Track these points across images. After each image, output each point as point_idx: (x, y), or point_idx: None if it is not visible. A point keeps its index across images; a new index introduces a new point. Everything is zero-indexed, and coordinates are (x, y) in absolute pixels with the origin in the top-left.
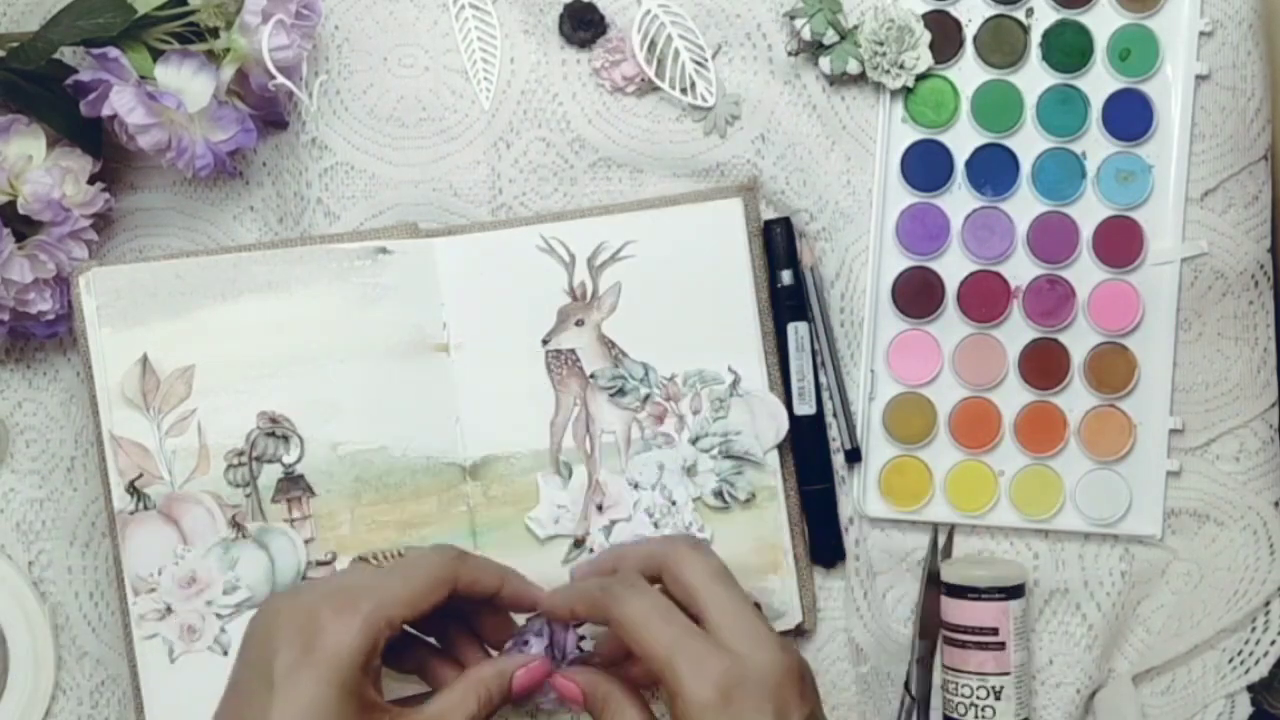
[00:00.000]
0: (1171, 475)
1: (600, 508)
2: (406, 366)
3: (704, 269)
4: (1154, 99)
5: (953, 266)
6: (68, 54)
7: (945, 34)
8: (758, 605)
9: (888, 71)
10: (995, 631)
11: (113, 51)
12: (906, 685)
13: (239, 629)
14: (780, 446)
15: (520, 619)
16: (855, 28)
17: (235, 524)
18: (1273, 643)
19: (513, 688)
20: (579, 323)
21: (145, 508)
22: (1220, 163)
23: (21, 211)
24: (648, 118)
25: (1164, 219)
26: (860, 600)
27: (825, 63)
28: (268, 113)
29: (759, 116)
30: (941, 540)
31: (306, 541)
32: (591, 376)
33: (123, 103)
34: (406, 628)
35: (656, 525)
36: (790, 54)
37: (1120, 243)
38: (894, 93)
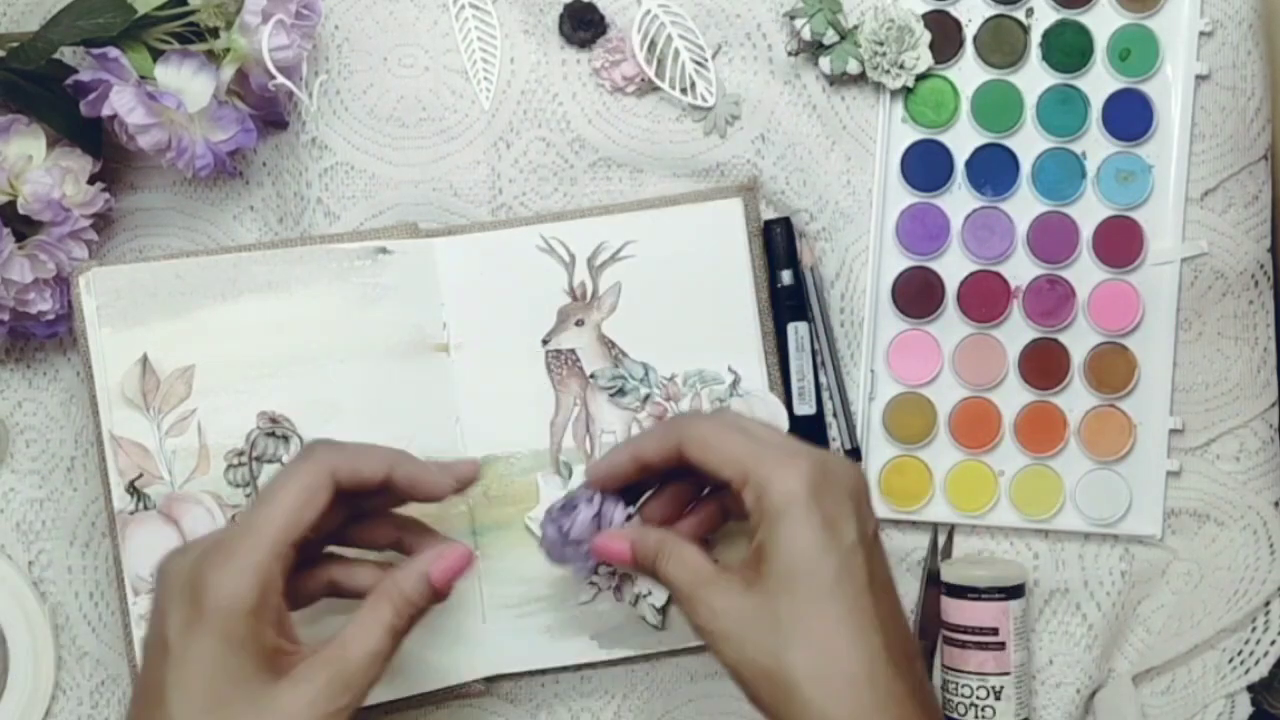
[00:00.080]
0: (1171, 475)
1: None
2: (406, 366)
3: (704, 269)
4: (1154, 99)
5: (953, 266)
6: (68, 54)
7: (945, 34)
8: None
9: (888, 71)
10: (995, 631)
11: (113, 51)
12: None
13: None
14: None
15: (570, 488)
16: (855, 28)
17: None
18: (1273, 643)
19: (434, 583)
20: (579, 323)
21: (145, 508)
22: (1220, 163)
23: (21, 211)
24: (648, 118)
25: (1164, 219)
26: None
27: (825, 63)
28: (268, 113)
29: (759, 116)
30: (941, 540)
31: None
32: (591, 376)
33: (123, 103)
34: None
35: None
36: (790, 54)
37: (1120, 243)
38: (894, 93)
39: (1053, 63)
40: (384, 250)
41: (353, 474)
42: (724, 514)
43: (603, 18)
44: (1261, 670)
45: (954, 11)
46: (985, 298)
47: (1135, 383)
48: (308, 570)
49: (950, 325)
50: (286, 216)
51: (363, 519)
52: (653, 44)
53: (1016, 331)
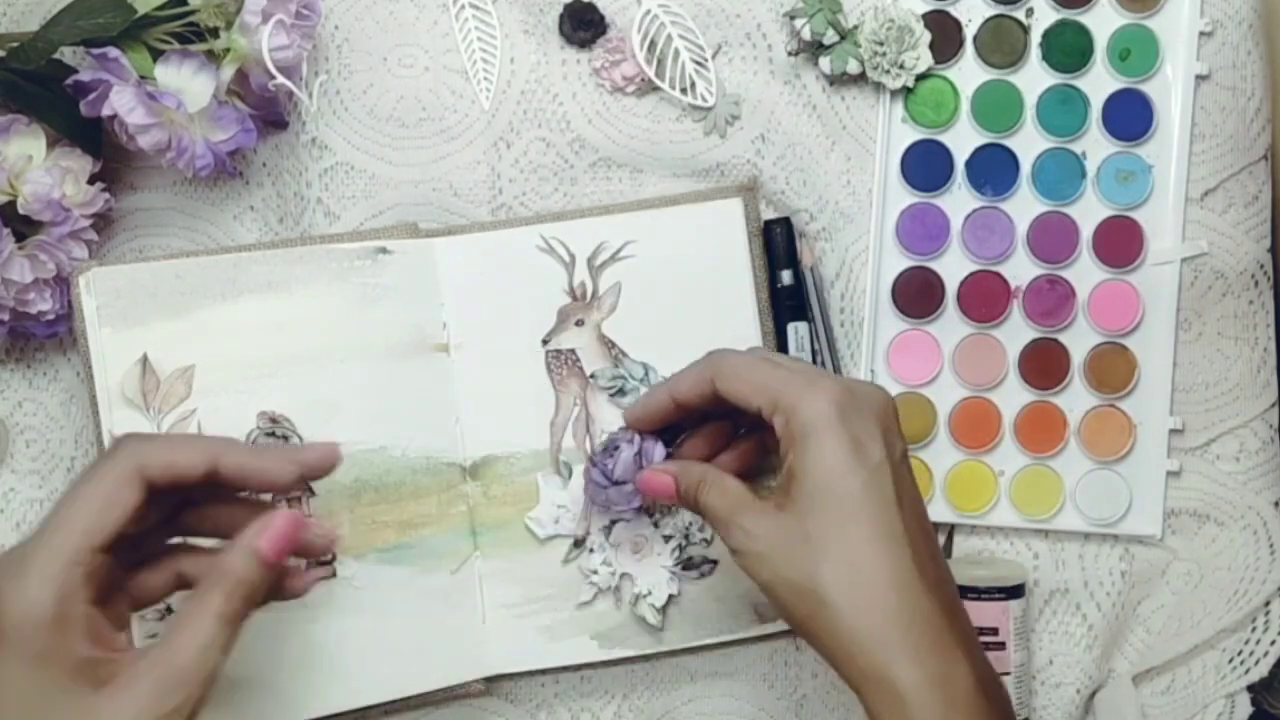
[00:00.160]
0: (1171, 475)
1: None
2: (406, 366)
3: (704, 269)
4: (1154, 99)
5: (953, 266)
6: (68, 54)
7: (945, 34)
8: None
9: (888, 71)
10: (995, 631)
11: (113, 51)
12: None
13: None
14: None
15: (611, 428)
16: (855, 28)
17: None
18: (1273, 643)
19: (264, 555)
20: (579, 323)
21: None
22: (1220, 163)
23: (21, 211)
24: (648, 118)
25: (1164, 219)
26: None
27: (825, 63)
28: (268, 113)
29: (759, 116)
30: (941, 540)
31: None
32: (591, 376)
33: (123, 103)
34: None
35: (656, 525)
36: (790, 54)
37: (1120, 243)
38: (894, 93)
39: (1053, 63)
40: (384, 250)
41: (166, 469)
42: (762, 450)
43: (603, 18)
44: (1261, 670)
45: (954, 11)
46: (985, 298)
47: (1135, 383)
48: (151, 565)
49: (950, 325)
50: (286, 216)
51: (211, 505)
52: (653, 44)
53: (1016, 331)
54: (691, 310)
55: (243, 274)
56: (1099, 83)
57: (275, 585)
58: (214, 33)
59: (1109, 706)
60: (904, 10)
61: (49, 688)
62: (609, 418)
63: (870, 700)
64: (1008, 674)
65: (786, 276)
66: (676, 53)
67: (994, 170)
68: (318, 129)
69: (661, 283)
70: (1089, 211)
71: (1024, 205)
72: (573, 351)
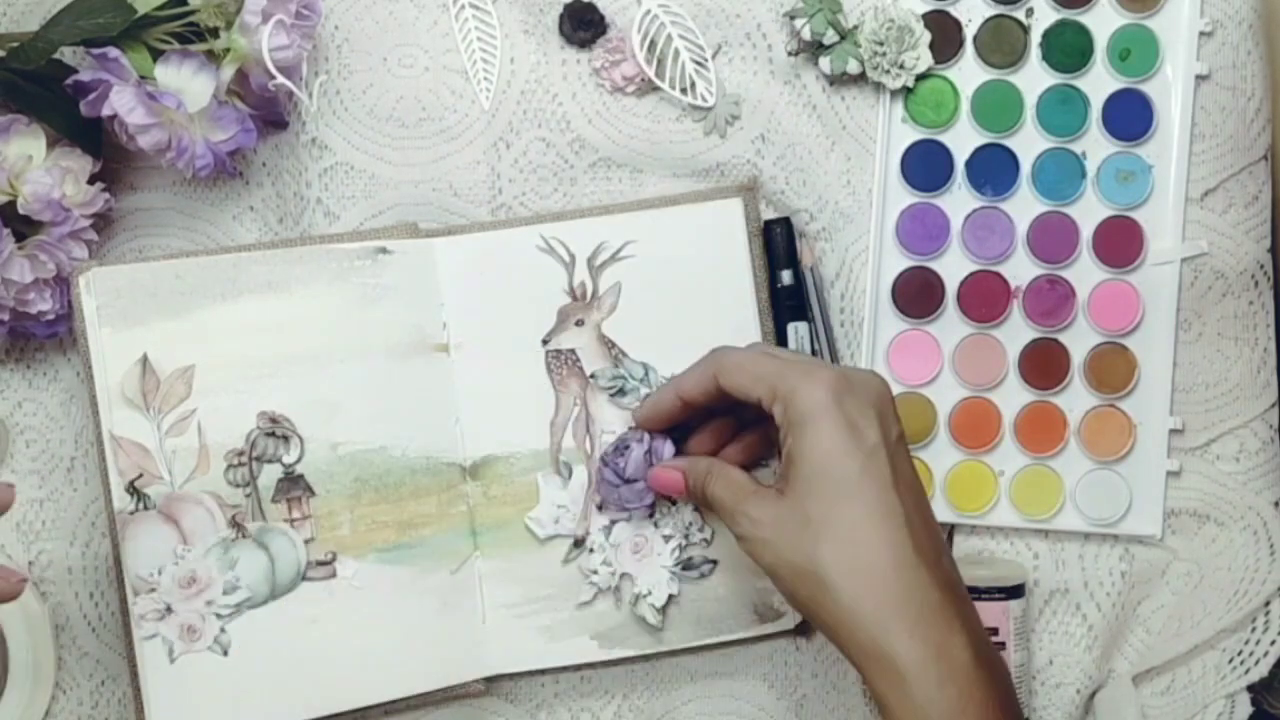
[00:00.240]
0: (1171, 475)
1: (600, 507)
2: (406, 366)
3: (704, 269)
4: (1154, 99)
5: (953, 266)
6: (68, 54)
7: (945, 34)
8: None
9: (888, 71)
10: (995, 631)
11: (113, 51)
12: None
13: (239, 629)
14: None
15: (622, 427)
16: (855, 28)
17: (235, 524)
18: (1273, 643)
19: None
20: (579, 323)
21: (145, 508)
22: (1220, 163)
23: (21, 211)
24: (648, 118)
25: (1164, 219)
26: None
27: (825, 63)
28: (268, 113)
29: (759, 116)
30: None
31: (306, 541)
32: (591, 376)
33: (123, 103)
34: None
35: (656, 525)
36: (790, 54)
37: (1120, 243)
38: (894, 93)
39: (1053, 63)
40: (384, 250)
41: None
42: (766, 443)
43: (603, 18)
44: (1261, 670)
45: (954, 11)
46: (985, 298)
47: (1135, 383)
48: None
49: (950, 325)
50: (286, 216)
51: None
52: (653, 44)
53: (1016, 331)
54: (691, 310)
55: (243, 274)
56: (1099, 83)
57: None
58: (214, 33)
59: (1109, 706)
60: (904, 10)
61: None
62: (609, 418)
63: (871, 676)
64: None
65: (786, 276)
66: (676, 53)
67: (994, 170)
68: (318, 129)
69: (661, 283)
70: (1089, 211)
71: (1024, 205)
72: (573, 351)
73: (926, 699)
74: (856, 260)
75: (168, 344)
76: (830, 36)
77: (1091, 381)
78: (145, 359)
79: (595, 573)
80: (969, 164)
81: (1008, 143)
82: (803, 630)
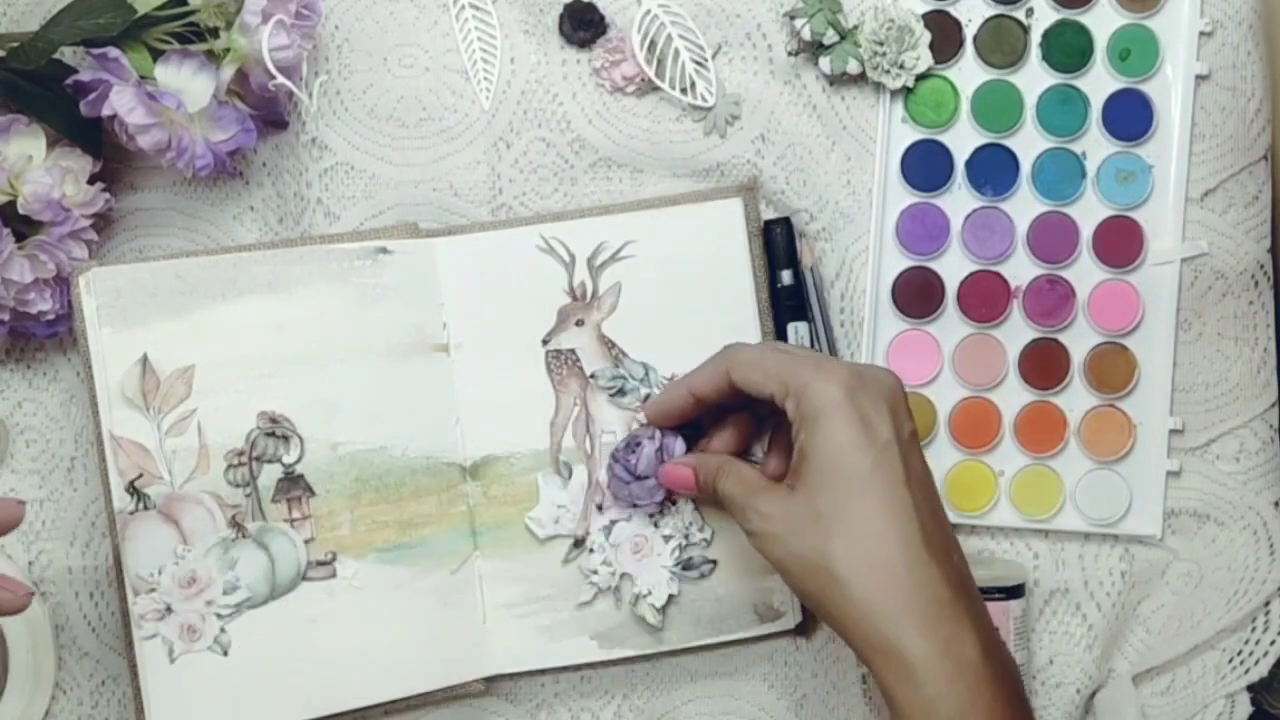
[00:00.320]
0: (1171, 475)
1: (600, 507)
2: (406, 366)
3: (704, 269)
4: (1154, 99)
5: (953, 266)
6: (68, 54)
7: (945, 34)
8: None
9: (888, 71)
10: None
11: (113, 51)
12: None
13: (239, 629)
14: None
15: (623, 427)
16: (855, 28)
17: (235, 524)
18: (1273, 643)
19: None
20: (579, 323)
21: (145, 508)
22: (1220, 163)
23: (21, 211)
24: (648, 118)
25: (1164, 219)
26: None
27: (825, 63)
28: (268, 113)
29: (759, 116)
30: None
31: (306, 541)
32: (591, 376)
33: (123, 103)
34: None
35: (656, 525)
36: (790, 54)
37: (1120, 243)
38: (894, 93)
39: (1053, 63)
40: (384, 250)
41: None
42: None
43: (603, 18)
44: (1261, 670)
45: (954, 11)
46: (985, 298)
47: (1135, 383)
48: None
49: (950, 325)
50: (286, 216)
51: None
52: (653, 44)
53: (1016, 331)
54: (691, 310)
55: (243, 274)
56: (1099, 83)
57: None
58: (214, 33)
59: (1109, 706)
60: (904, 10)
61: None
62: (609, 418)
63: (880, 671)
64: None
65: (786, 276)
66: (676, 53)
67: (994, 170)
68: (318, 129)
69: (661, 283)
70: (1089, 211)
71: (1024, 205)
72: (573, 351)
73: (936, 694)
74: (856, 260)
75: (168, 344)
76: (830, 36)
77: (1091, 381)
78: (145, 359)
79: (595, 573)
80: (969, 164)
81: (1008, 143)
82: (803, 630)
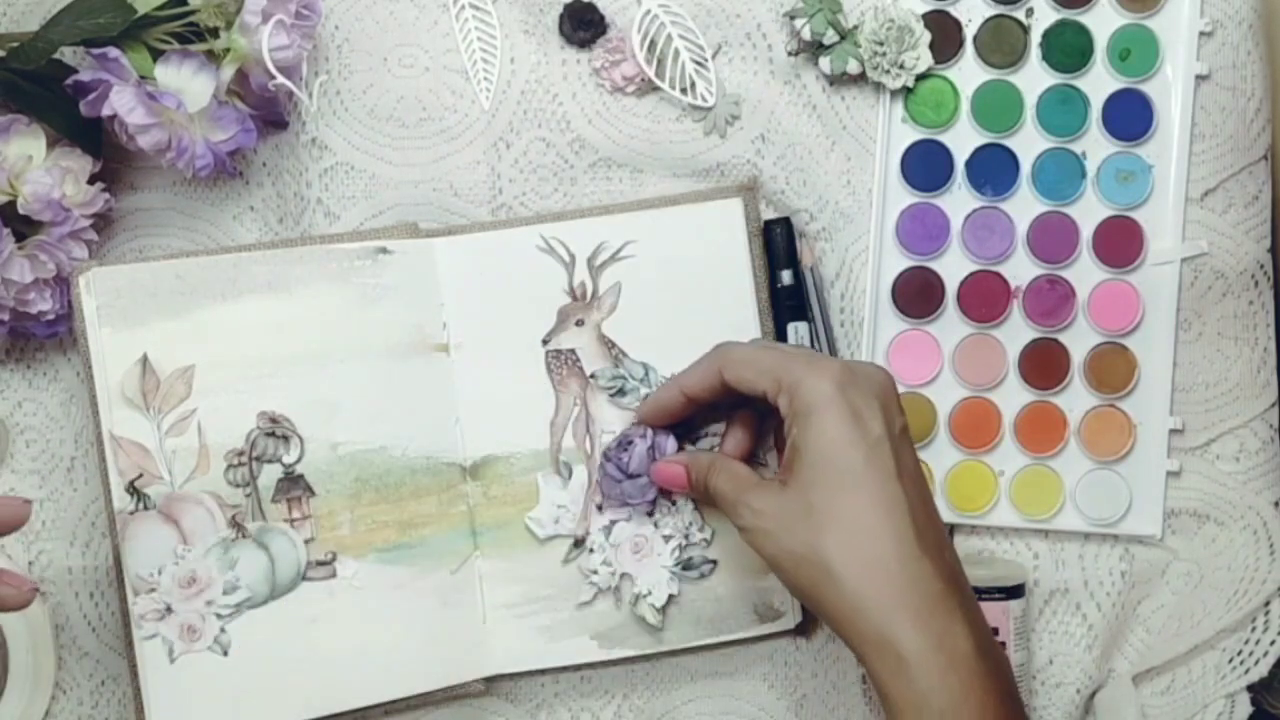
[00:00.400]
0: (1171, 475)
1: (600, 507)
2: (406, 366)
3: (704, 269)
4: (1154, 99)
5: (953, 266)
6: (68, 54)
7: (945, 34)
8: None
9: (888, 71)
10: (995, 631)
11: (113, 51)
12: None
13: (239, 629)
14: None
15: (622, 427)
16: (855, 28)
17: (235, 524)
18: (1273, 643)
19: None
20: (579, 323)
21: (145, 508)
22: (1220, 163)
23: (21, 211)
24: (648, 118)
25: (1164, 219)
26: None
27: (825, 63)
28: (268, 113)
29: (759, 116)
30: None
31: (306, 541)
32: (592, 376)
33: (123, 103)
34: None
35: (656, 525)
36: (790, 54)
37: (1120, 243)
38: (894, 93)
39: (1053, 63)
40: (384, 250)
41: None
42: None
43: (603, 18)
44: (1261, 670)
45: (954, 11)
46: (985, 298)
47: (1135, 383)
48: None
49: (950, 325)
50: (286, 216)
51: None
52: (653, 44)
53: (1016, 331)
54: (691, 310)
55: (243, 274)
56: (1099, 83)
57: None
58: (214, 33)
59: (1109, 706)
60: (904, 10)
61: None
62: (609, 418)
63: (873, 665)
64: None
65: (786, 276)
66: (676, 53)
67: (994, 170)
68: (318, 129)
69: (661, 283)
70: (1089, 211)
71: (1024, 205)
72: (573, 351)
73: (929, 687)
74: (856, 260)
75: (168, 344)
76: (830, 36)
77: (1091, 381)
78: (145, 359)
79: (595, 573)
80: (969, 164)
81: (1008, 143)
82: (803, 630)
